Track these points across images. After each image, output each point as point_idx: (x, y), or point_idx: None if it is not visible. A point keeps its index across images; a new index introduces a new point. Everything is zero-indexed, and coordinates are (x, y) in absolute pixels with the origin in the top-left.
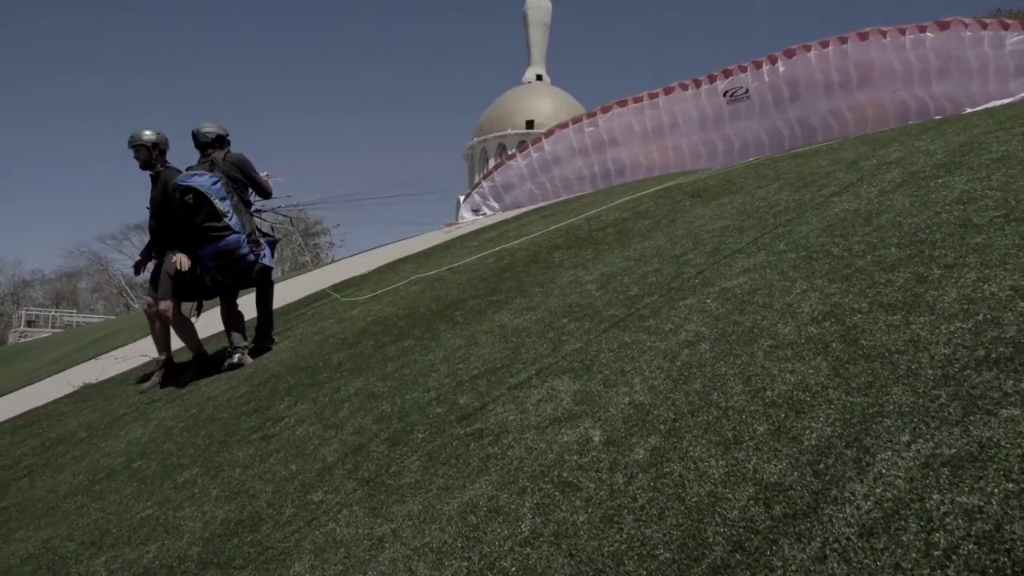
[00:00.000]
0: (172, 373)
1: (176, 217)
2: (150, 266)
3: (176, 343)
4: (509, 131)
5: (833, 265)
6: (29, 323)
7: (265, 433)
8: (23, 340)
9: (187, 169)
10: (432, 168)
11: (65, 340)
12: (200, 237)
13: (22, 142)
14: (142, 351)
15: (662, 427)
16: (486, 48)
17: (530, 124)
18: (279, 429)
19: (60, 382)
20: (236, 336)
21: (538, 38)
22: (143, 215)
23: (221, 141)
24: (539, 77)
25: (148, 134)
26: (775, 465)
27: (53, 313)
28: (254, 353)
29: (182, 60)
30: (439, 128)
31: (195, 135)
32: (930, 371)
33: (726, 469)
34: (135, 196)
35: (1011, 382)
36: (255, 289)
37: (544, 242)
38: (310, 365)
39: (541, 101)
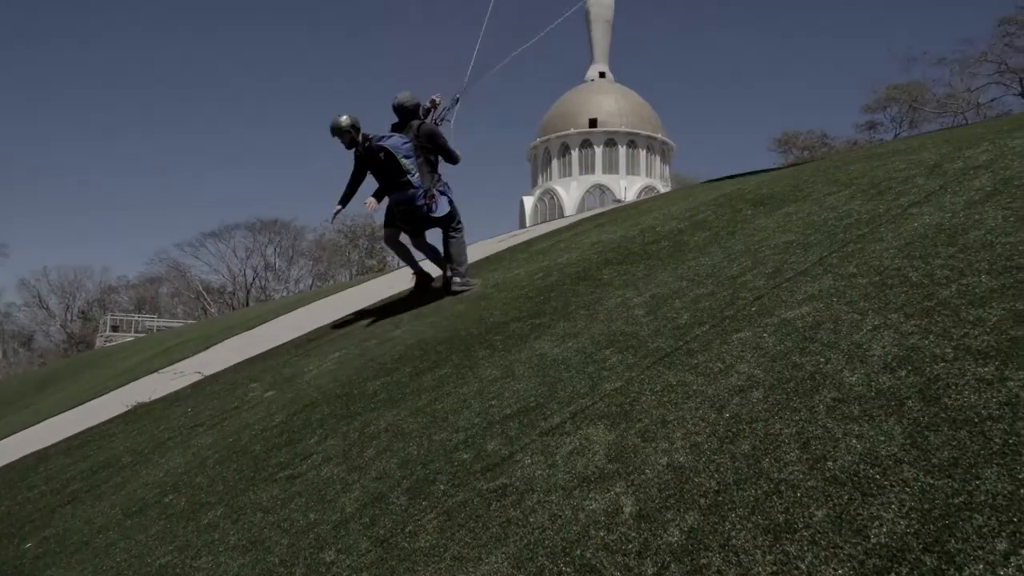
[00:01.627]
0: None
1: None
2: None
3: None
4: (572, 130)
5: (911, 295)
6: (114, 328)
7: (292, 472)
8: (108, 344)
9: (391, 130)
10: (496, 169)
11: (139, 348)
12: (389, 186)
13: (108, 153)
14: (200, 366)
15: (702, 500)
16: (548, 46)
17: (593, 123)
18: (305, 468)
19: (121, 397)
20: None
21: (600, 35)
22: (217, 223)
23: (416, 110)
24: (602, 75)
25: (345, 119)
26: (834, 569)
27: (136, 318)
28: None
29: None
30: (501, 129)
31: (397, 107)
32: None
33: (774, 568)
34: (210, 204)
35: None
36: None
37: (595, 256)
38: (345, 393)
39: (604, 99)
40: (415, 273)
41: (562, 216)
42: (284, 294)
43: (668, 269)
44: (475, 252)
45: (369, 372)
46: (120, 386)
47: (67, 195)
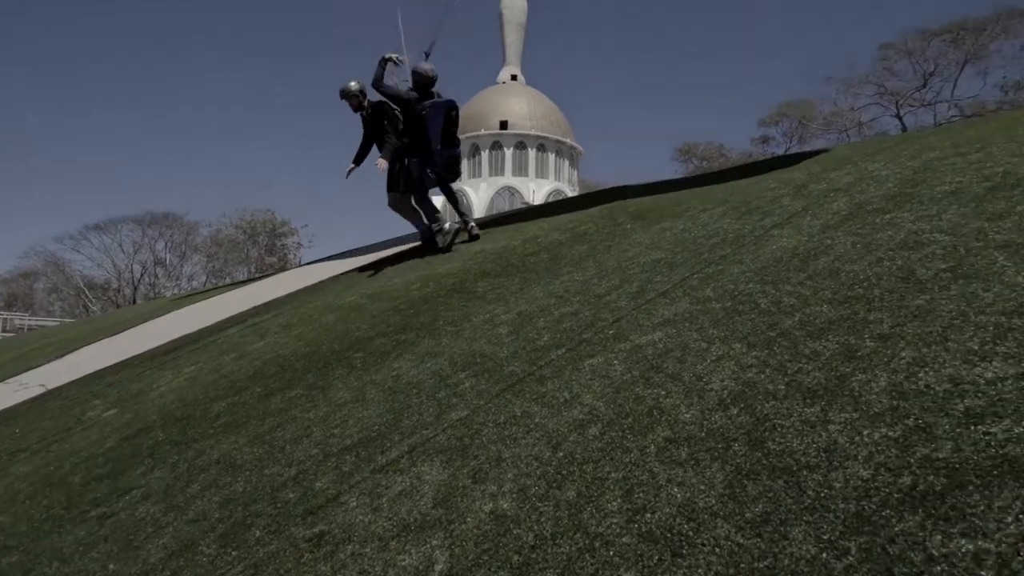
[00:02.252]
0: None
1: (415, 128)
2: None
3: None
4: (482, 131)
5: (757, 324)
6: None
7: (106, 510)
8: None
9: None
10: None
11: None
12: (449, 140)
13: None
14: (48, 377)
15: (515, 557)
16: (460, 47)
17: (504, 124)
18: (121, 506)
19: None
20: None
21: (513, 38)
22: (103, 216)
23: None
24: (514, 77)
25: (354, 84)
26: None
27: (4, 316)
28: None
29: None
30: None
31: (424, 75)
32: (842, 505)
33: None
34: (94, 196)
35: (939, 537)
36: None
37: (475, 267)
38: (187, 415)
39: (515, 102)
40: (426, 238)
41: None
42: (175, 291)
43: (541, 283)
44: (357, 261)
45: (218, 391)
46: None
47: None
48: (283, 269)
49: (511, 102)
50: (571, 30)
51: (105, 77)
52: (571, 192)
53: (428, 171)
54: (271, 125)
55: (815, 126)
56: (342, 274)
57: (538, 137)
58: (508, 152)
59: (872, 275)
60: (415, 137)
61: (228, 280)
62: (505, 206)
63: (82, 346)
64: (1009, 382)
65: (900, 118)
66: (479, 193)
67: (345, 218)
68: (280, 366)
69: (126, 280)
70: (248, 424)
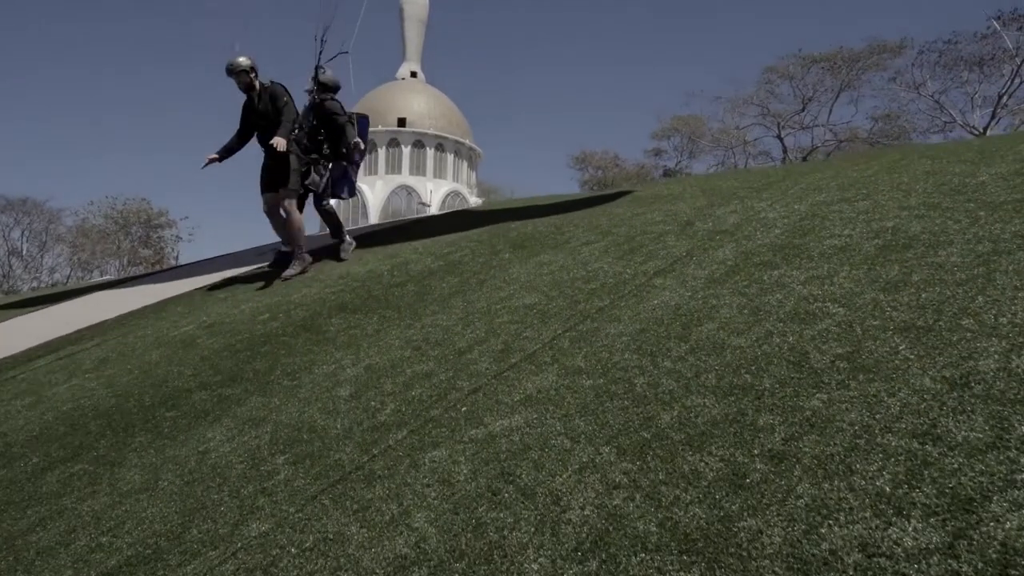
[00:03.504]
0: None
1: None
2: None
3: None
4: (380, 127)
5: (631, 416)
6: None
7: None
8: None
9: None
10: None
11: None
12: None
13: None
14: None
15: None
16: (360, 40)
17: (402, 122)
18: None
19: None
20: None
21: (413, 34)
22: None
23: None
24: (413, 74)
25: (244, 59)
26: None
27: None
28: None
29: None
30: None
31: (334, 83)
32: None
33: None
34: None
35: None
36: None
37: (333, 296)
38: None
39: (415, 99)
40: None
41: (365, 215)
42: (34, 285)
43: (401, 326)
44: (213, 277)
45: None
46: None
47: None
48: (159, 263)
49: (410, 99)
50: (473, 29)
51: None
52: (469, 194)
53: (346, 181)
54: (152, 116)
55: (705, 142)
56: (196, 289)
57: (437, 136)
58: (406, 150)
59: (761, 356)
60: (335, 142)
61: (97, 274)
62: (402, 205)
63: None
64: (935, 559)
65: (781, 139)
66: (375, 191)
67: (232, 214)
68: (72, 424)
69: None
70: (3, 516)
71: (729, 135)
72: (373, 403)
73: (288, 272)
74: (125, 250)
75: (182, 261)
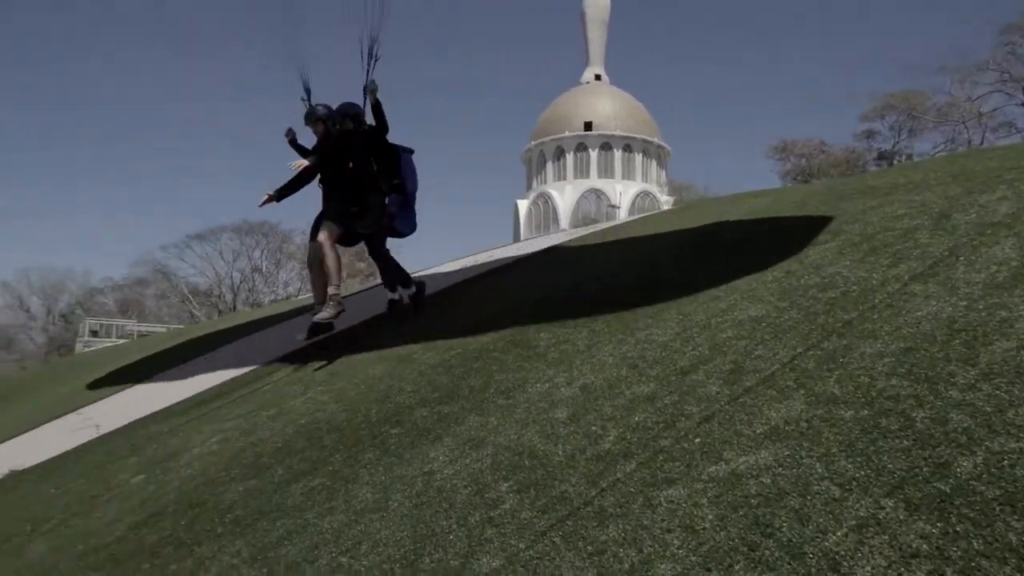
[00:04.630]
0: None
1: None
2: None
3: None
4: (567, 133)
5: (915, 460)
6: (93, 333)
7: None
8: (87, 350)
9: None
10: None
11: (83, 367)
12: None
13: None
14: (105, 415)
15: None
16: (544, 47)
17: (588, 126)
18: None
19: (8, 454)
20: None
21: (596, 37)
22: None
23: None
24: (598, 77)
25: (321, 108)
26: None
27: (116, 323)
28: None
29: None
30: (496, 132)
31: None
32: None
33: None
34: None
35: None
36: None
37: (542, 304)
38: (200, 501)
39: (600, 102)
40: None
41: (557, 221)
42: (272, 298)
43: (613, 341)
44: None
45: (241, 467)
46: (21, 433)
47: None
48: (373, 275)
49: (595, 102)
50: (656, 26)
51: (206, 93)
52: (660, 194)
53: (405, 214)
54: None
55: (928, 118)
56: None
57: (624, 137)
58: (593, 154)
59: None
60: (390, 174)
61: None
62: (591, 209)
63: (146, 378)
64: None
65: None
66: (564, 196)
67: (428, 225)
68: (309, 437)
69: (227, 286)
70: (257, 526)
71: (959, 108)
72: (594, 428)
73: (323, 315)
74: (344, 264)
75: None
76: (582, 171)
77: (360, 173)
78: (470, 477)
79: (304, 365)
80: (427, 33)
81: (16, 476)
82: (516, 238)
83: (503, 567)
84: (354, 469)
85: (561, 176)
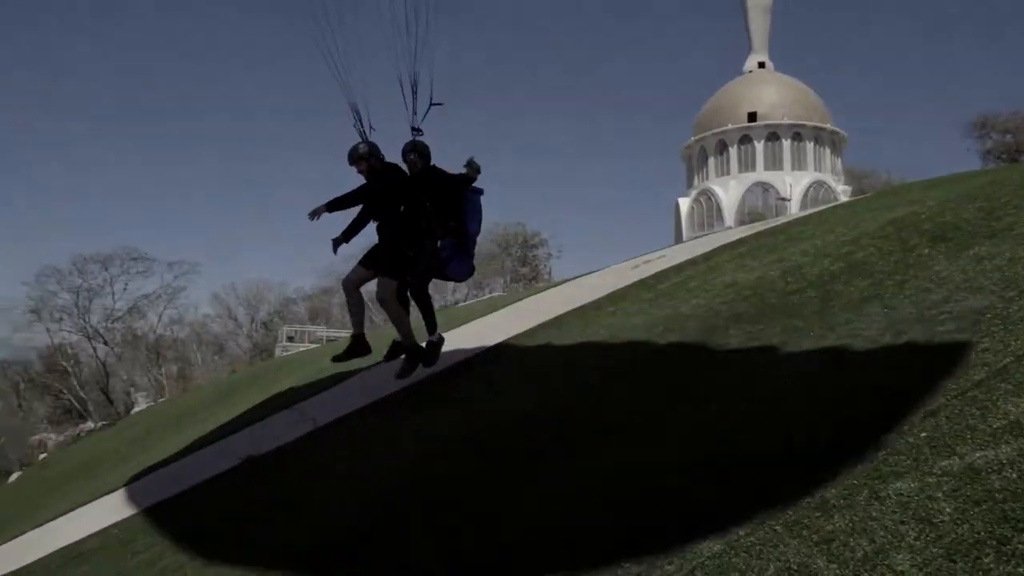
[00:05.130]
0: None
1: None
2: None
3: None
4: (729, 126)
5: None
6: (290, 339)
7: None
8: (285, 354)
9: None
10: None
11: (291, 368)
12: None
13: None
14: (319, 408)
15: None
16: (701, 37)
17: (752, 116)
18: None
19: (243, 442)
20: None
21: (758, 23)
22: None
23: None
24: (761, 65)
25: (363, 147)
26: None
27: (308, 329)
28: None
29: None
30: (654, 126)
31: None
32: None
33: None
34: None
35: None
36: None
37: (724, 307)
38: (396, 497)
39: (764, 90)
40: (358, 336)
41: (721, 218)
42: (442, 303)
43: (813, 337)
44: (618, 277)
45: (457, 453)
46: (250, 424)
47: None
48: (535, 279)
49: (760, 91)
50: (822, 4)
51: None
52: (835, 183)
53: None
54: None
55: None
56: (578, 308)
57: (792, 126)
58: (759, 145)
59: None
60: (445, 214)
61: (487, 292)
62: (758, 204)
63: (351, 375)
64: None
65: None
66: (728, 192)
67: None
68: (498, 433)
69: None
70: (462, 529)
71: None
72: (798, 437)
73: (402, 369)
74: (507, 269)
75: (554, 276)
76: (747, 164)
77: (412, 214)
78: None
79: (481, 371)
80: (582, 32)
81: (252, 461)
82: (678, 238)
83: (724, 551)
84: (517, 482)
85: (724, 171)
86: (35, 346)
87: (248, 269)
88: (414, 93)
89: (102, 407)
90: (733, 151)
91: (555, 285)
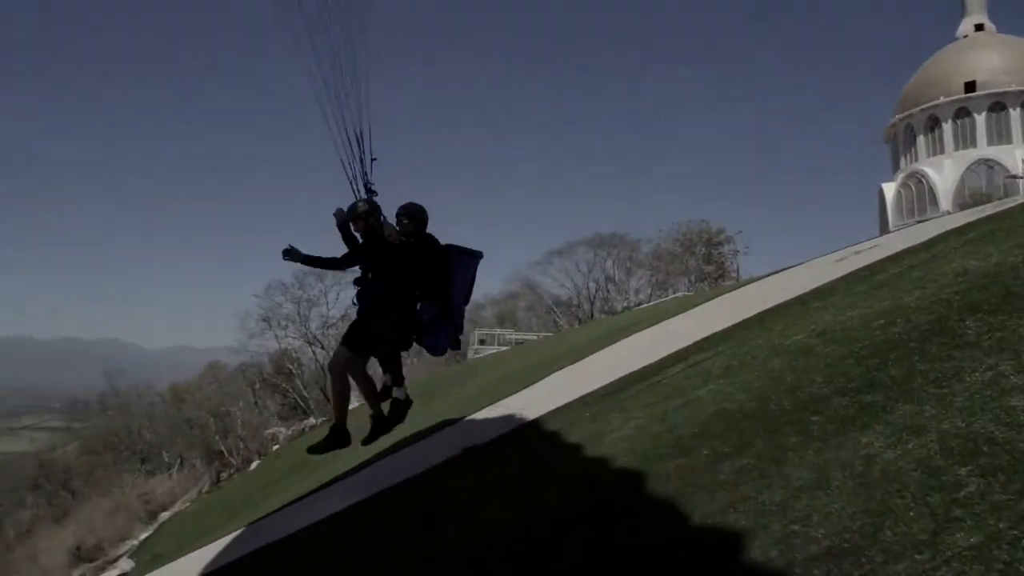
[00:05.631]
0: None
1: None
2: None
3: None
4: (941, 99)
5: None
6: (481, 341)
7: None
8: (476, 356)
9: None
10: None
11: (488, 368)
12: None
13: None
14: (523, 405)
15: None
16: (907, 4)
17: (970, 86)
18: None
19: (456, 434)
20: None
21: None
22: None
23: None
24: (979, 27)
25: (363, 204)
26: None
27: (497, 332)
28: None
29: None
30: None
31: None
32: None
33: None
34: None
35: None
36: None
37: (956, 296)
38: (636, 473)
39: (984, 55)
40: (341, 421)
41: (935, 204)
42: (625, 304)
43: None
44: (819, 272)
45: (665, 447)
46: (462, 417)
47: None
48: (721, 277)
49: (978, 57)
50: None
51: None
52: None
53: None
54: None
55: None
56: (781, 304)
57: (1022, 93)
58: (979, 118)
59: None
60: (430, 279)
61: (671, 292)
62: (981, 184)
63: (548, 373)
64: None
65: None
66: (943, 174)
67: (782, 225)
68: (726, 422)
69: (584, 296)
70: (697, 496)
71: None
72: None
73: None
74: (691, 268)
75: (742, 274)
76: (965, 141)
77: (393, 280)
78: (916, 462)
79: (696, 362)
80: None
81: (473, 450)
82: (883, 228)
83: (983, 543)
84: (780, 451)
85: (936, 150)
86: (267, 351)
87: None
88: (361, 149)
89: (321, 405)
90: (947, 127)
91: (750, 282)
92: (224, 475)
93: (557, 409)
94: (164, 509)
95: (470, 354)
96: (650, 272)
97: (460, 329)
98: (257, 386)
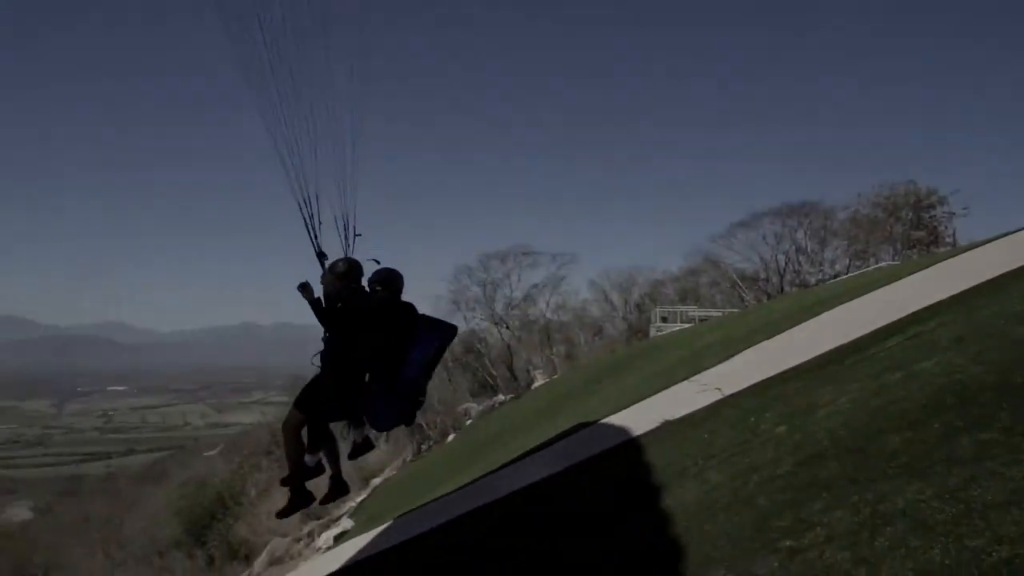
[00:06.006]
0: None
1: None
2: None
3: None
4: None
5: None
6: (663, 319)
7: (794, 543)
8: (659, 334)
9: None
10: None
11: (676, 343)
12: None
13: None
14: (720, 380)
15: None
16: None
17: None
18: (807, 542)
19: (653, 408)
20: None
21: None
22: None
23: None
24: None
25: (343, 265)
26: None
27: (680, 309)
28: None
29: None
30: None
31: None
32: None
33: None
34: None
35: None
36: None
37: None
38: (859, 447)
39: None
40: (301, 484)
41: None
42: (819, 277)
43: None
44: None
45: (888, 421)
46: (654, 392)
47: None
48: (934, 243)
49: None
50: None
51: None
52: None
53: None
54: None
55: None
56: (1019, 269)
57: None
58: None
59: None
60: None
61: (872, 261)
62: None
63: (744, 348)
64: None
65: None
66: None
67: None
68: (959, 396)
69: (772, 270)
70: (932, 471)
71: None
72: None
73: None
74: (897, 235)
75: (959, 239)
76: None
77: (352, 348)
78: None
79: (917, 333)
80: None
81: (669, 425)
82: None
83: None
84: None
85: None
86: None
87: (618, 256)
88: (346, 227)
89: (509, 382)
90: None
91: (973, 247)
92: (424, 447)
93: (759, 383)
94: (374, 476)
95: (652, 332)
96: (847, 241)
97: (415, 404)
98: (450, 364)
